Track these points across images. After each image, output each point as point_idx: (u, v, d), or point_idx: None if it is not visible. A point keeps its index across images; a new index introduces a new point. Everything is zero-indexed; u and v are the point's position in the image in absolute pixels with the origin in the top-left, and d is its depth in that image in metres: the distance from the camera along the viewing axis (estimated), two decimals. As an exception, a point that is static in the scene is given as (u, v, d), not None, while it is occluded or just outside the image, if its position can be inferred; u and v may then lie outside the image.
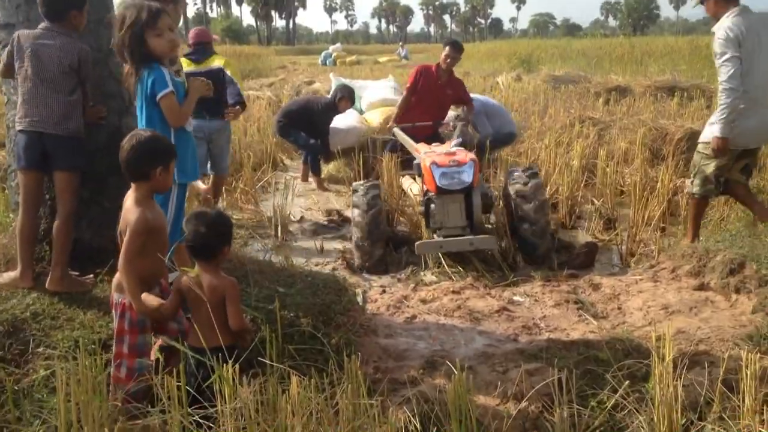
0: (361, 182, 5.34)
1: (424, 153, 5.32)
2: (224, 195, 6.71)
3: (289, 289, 3.57)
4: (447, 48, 7.25)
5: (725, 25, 4.44)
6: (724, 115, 4.38)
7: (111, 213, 3.60)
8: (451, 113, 7.90)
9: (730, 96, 4.37)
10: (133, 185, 2.77)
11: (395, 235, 5.46)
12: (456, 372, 2.28)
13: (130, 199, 2.77)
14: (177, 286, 2.68)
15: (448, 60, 7.18)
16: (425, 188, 4.98)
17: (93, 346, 2.89)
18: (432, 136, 7.17)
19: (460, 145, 5.59)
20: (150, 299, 2.67)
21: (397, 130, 7.13)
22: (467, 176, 4.72)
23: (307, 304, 3.43)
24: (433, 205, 4.83)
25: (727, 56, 4.39)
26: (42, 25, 3.46)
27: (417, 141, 6.47)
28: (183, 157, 3.09)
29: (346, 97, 7.68)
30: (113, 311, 2.76)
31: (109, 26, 3.65)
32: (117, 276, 2.73)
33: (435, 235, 4.87)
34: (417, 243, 4.70)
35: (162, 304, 2.65)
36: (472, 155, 4.96)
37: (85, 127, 3.55)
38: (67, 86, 3.44)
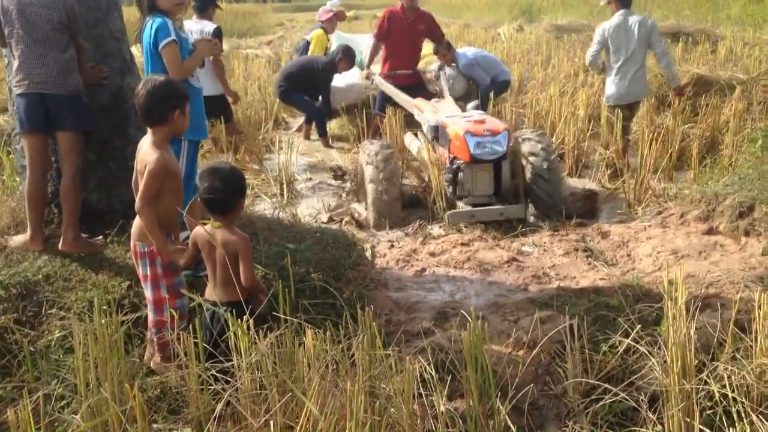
0: (373, 141, 5.28)
1: (444, 117, 5.22)
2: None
3: (299, 245, 3.57)
4: None
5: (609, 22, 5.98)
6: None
7: (117, 174, 3.61)
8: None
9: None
10: (150, 130, 2.76)
11: (403, 195, 5.43)
12: (471, 321, 2.29)
13: (147, 142, 2.76)
14: (193, 238, 2.70)
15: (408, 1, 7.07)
16: (451, 156, 4.89)
17: (107, 307, 2.90)
18: (417, 86, 7.09)
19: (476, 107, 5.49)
20: (170, 249, 2.70)
21: (379, 79, 7.03)
22: (501, 146, 4.67)
23: (317, 259, 3.44)
24: (461, 174, 4.79)
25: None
26: None
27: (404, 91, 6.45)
28: (190, 114, 3.06)
29: (345, 58, 7.57)
30: (136, 260, 2.78)
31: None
32: (136, 224, 2.74)
33: (460, 203, 4.83)
34: (448, 213, 4.68)
35: (180, 253, 2.68)
36: (504, 124, 4.89)
37: (87, 88, 3.50)
38: (60, 43, 3.36)
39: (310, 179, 6.46)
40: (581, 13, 21.67)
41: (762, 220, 3.73)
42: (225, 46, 15.14)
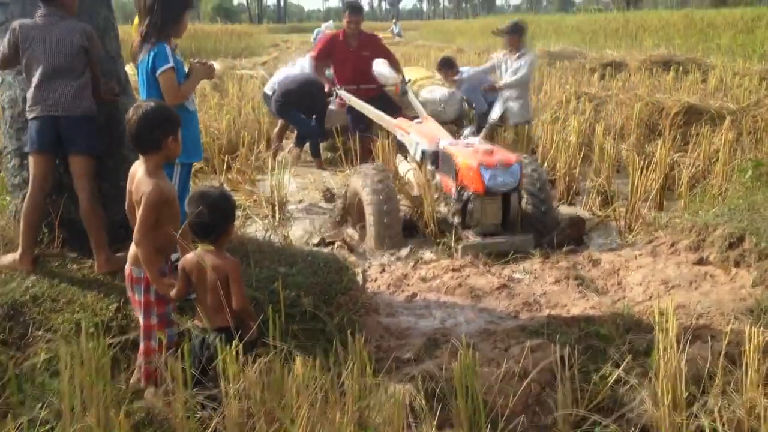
0: (370, 166, 5.26)
1: (450, 145, 5.17)
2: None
3: (290, 269, 3.56)
4: (345, 14, 7.28)
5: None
6: None
7: (110, 194, 3.58)
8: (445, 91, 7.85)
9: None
10: (142, 157, 2.73)
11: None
12: (461, 349, 2.28)
13: (140, 171, 2.72)
14: (182, 266, 2.67)
15: (351, 25, 7.19)
16: (459, 185, 4.87)
17: (94, 329, 2.87)
18: (377, 98, 7.12)
19: (473, 134, 5.49)
20: (165, 282, 2.68)
21: (345, 93, 7.05)
22: (514, 178, 4.66)
23: (308, 283, 3.42)
24: (470, 205, 4.79)
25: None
26: (39, 12, 3.39)
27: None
28: (185, 136, 3.06)
29: None
30: (130, 285, 2.76)
31: (105, 4, 3.61)
32: (132, 249, 2.72)
33: (467, 233, 4.81)
34: (461, 245, 4.66)
35: (173, 287, 2.66)
36: (516, 155, 4.89)
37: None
38: (78, 68, 3.38)
39: (302, 201, 6.45)
40: (573, 40, 21.99)
41: (752, 251, 3.75)
42: (219, 66, 15.33)
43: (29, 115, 3.42)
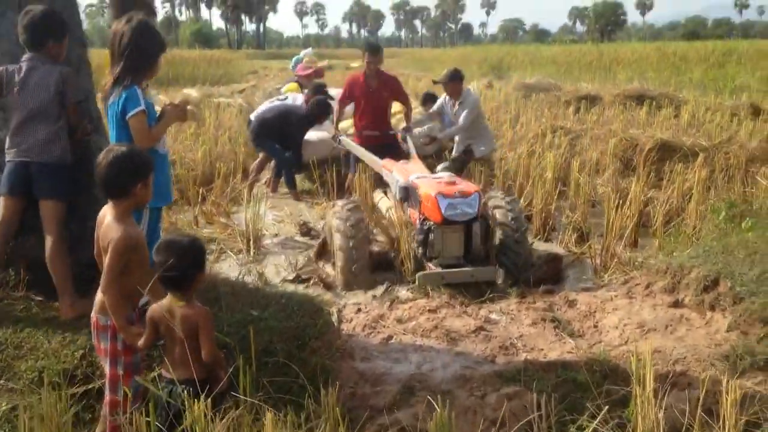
0: (342, 203, 5.23)
1: (417, 178, 5.21)
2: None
3: (263, 312, 3.48)
4: (365, 54, 7.23)
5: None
6: None
7: (78, 235, 3.50)
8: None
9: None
10: (111, 202, 2.66)
11: (371, 254, 5.38)
12: (437, 407, 2.23)
13: (108, 216, 2.65)
14: (150, 316, 2.59)
15: (370, 65, 7.17)
16: (422, 216, 4.89)
17: (57, 379, 2.77)
18: (383, 145, 7.12)
19: (446, 169, 5.52)
20: (132, 331, 2.59)
21: (345, 140, 7.08)
22: (473, 208, 4.67)
23: (281, 328, 3.35)
24: (432, 235, 4.78)
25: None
26: (25, 56, 3.42)
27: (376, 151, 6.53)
28: (155, 180, 2.99)
29: (321, 114, 7.63)
30: (95, 333, 2.67)
31: (79, 42, 3.58)
32: (98, 296, 2.64)
33: (430, 264, 4.80)
34: (419, 274, 4.65)
35: (140, 336, 2.57)
36: (476, 186, 4.91)
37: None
38: (53, 113, 3.40)
39: (277, 235, 6.39)
40: (549, 71, 22.32)
41: (726, 294, 3.76)
42: (196, 93, 15.29)
43: (6, 158, 3.44)
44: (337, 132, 7.32)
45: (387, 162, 6.20)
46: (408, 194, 5.28)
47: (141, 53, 3.12)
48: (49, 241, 3.32)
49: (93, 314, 2.70)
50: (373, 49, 7.21)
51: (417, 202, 4.99)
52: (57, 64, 3.43)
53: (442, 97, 7.62)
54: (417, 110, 8.65)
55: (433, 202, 4.67)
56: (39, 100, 3.37)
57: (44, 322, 3.25)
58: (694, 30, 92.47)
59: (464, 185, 4.87)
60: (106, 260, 2.56)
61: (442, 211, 4.63)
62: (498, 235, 4.94)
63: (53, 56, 3.43)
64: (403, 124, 8.12)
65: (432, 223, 4.76)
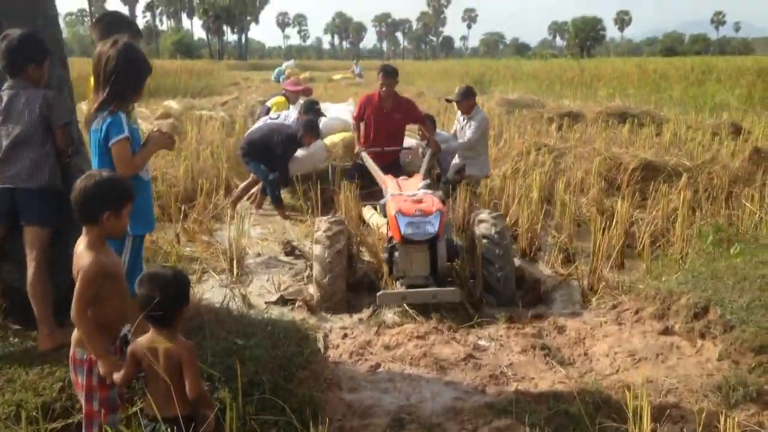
0: (325, 218, 5.17)
1: (390, 195, 5.17)
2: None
3: (248, 341, 3.40)
4: (380, 76, 7.22)
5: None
6: None
7: (57, 260, 3.39)
8: (413, 141, 7.85)
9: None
10: (84, 229, 2.60)
11: (356, 273, 5.31)
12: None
13: (81, 243, 2.59)
14: (132, 351, 2.50)
15: (384, 88, 7.14)
16: (389, 235, 4.86)
17: (35, 414, 2.66)
18: (393, 163, 7.10)
19: (428, 186, 5.45)
20: (111, 360, 2.50)
21: (365, 155, 7.02)
22: (432, 227, 4.61)
23: (267, 357, 3.27)
24: (396, 253, 4.71)
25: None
26: (6, 84, 3.35)
27: (380, 168, 6.45)
28: (137, 207, 2.90)
29: (308, 133, 7.57)
30: (72, 367, 2.58)
31: (60, 63, 3.49)
32: (76, 330, 2.54)
33: (398, 284, 4.74)
34: (379, 294, 4.57)
35: (120, 367, 2.48)
36: (439, 204, 4.84)
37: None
38: (37, 139, 3.32)
39: (260, 254, 6.28)
40: (530, 87, 22.47)
41: (716, 322, 3.73)
42: (177, 105, 15.13)
43: None
44: (360, 147, 7.25)
45: (387, 177, 6.14)
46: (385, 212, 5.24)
47: (127, 78, 3.04)
48: (31, 268, 3.22)
49: (71, 347, 2.60)
50: (388, 72, 7.18)
51: (386, 220, 4.95)
52: (39, 88, 3.34)
53: (458, 117, 7.57)
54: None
55: (393, 221, 4.64)
56: (23, 126, 3.29)
57: (22, 352, 3.15)
58: (671, 46, 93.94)
59: (427, 203, 4.80)
60: (76, 288, 2.48)
61: (401, 230, 4.59)
62: (480, 248, 4.87)
63: (34, 80, 3.35)
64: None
65: (396, 241, 4.70)
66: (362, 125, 7.33)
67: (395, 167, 7.14)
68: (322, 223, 5.09)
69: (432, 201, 4.87)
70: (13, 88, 3.33)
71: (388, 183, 5.85)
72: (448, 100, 8.15)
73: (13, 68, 3.31)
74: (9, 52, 3.26)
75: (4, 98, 3.32)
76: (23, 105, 3.29)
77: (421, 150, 7.33)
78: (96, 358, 2.49)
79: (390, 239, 4.83)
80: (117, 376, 2.48)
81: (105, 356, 2.48)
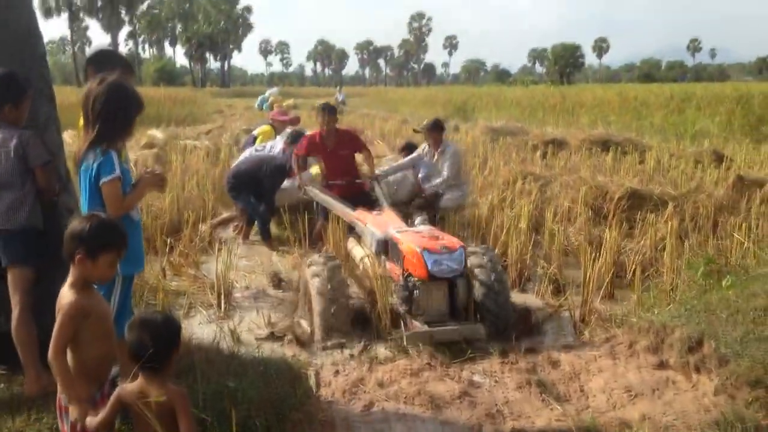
0: (321, 259, 5.11)
1: (398, 232, 5.10)
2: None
3: (240, 381, 3.33)
4: (321, 115, 7.31)
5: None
6: None
7: (42, 301, 3.32)
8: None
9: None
10: (70, 269, 2.56)
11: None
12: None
13: (66, 283, 2.56)
14: (119, 396, 2.43)
15: (326, 126, 7.23)
16: (405, 272, 4.78)
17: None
18: (360, 195, 7.13)
19: (424, 222, 5.44)
20: (82, 407, 2.42)
21: (313, 191, 7.04)
22: (458, 264, 4.60)
23: (259, 398, 3.21)
24: (416, 291, 4.67)
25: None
26: None
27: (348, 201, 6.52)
28: (130, 247, 2.84)
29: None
30: (59, 414, 2.52)
31: (48, 99, 3.44)
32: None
33: (415, 321, 4.67)
34: (407, 333, 4.52)
35: (96, 413, 2.40)
36: (458, 240, 4.83)
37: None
38: (15, 180, 3.27)
39: (248, 288, 6.21)
40: (513, 113, 22.68)
41: (711, 356, 3.72)
42: (161, 134, 15.06)
43: None
44: (302, 182, 7.28)
45: (360, 213, 6.12)
46: (387, 248, 5.19)
47: (115, 117, 2.99)
48: (15, 311, 3.15)
49: (58, 393, 2.53)
50: (330, 111, 7.32)
51: (399, 257, 4.88)
52: (15, 128, 3.28)
53: (423, 146, 7.62)
54: (390, 157, 8.67)
55: (419, 258, 4.58)
56: (3, 168, 3.24)
57: (8, 397, 3.05)
58: (648, 72, 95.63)
59: (447, 240, 4.80)
60: (54, 328, 2.43)
61: (428, 267, 4.54)
62: (478, 288, 4.85)
63: (11, 120, 3.30)
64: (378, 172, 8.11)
65: (416, 279, 4.65)
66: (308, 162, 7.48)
67: (363, 197, 7.16)
68: (317, 258, 5.06)
69: (449, 237, 4.85)
70: None
71: (365, 219, 5.84)
72: (415, 131, 8.22)
73: None
74: None
75: None
76: (2, 146, 3.24)
77: (368, 184, 7.34)
78: (69, 401, 2.42)
79: (407, 276, 4.75)
80: (91, 420, 2.40)
81: (76, 401, 2.42)
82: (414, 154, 7.72)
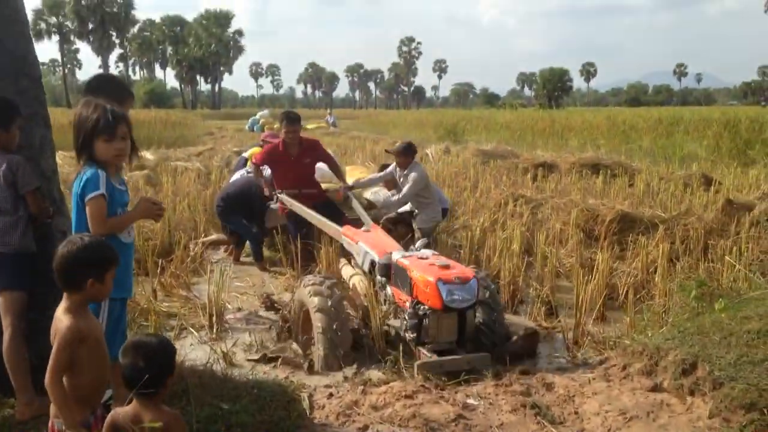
0: (319, 279, 5.08)
1: (403, 257, 5.02)
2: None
3: (234, 405, 3.30)
4: (283, 124, 7.34)
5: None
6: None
7: (36, 326, 3.29)
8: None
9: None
10: (65, 293, 2.55)
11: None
12: None
13: (61, 307, 2.54)
14: (113, 421, 2.40)
15: (289, 134, 7.25)
16: (414, 300, 4.72)
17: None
18: (323, 204, 7.20)
19: (427, 246, 5.43)
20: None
21: (285, 197, 7.03)
22: (472, 294, 4.54)
23: (254, 422, 3.18)
24: (426, 320, 4.63)
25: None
26: None
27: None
28: (118, 270, 2.83)
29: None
30: None
31: (43, 122, 3.44)
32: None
33: (422, 350, 4.63)
34: (417, 364, 4.47)
35: None
36: (471, 270, 4.78)
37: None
38: (9, 205, 3.25)
39: (240, 309, 6.18)
40: (503, 137, 22.84)
41: (705, 379, 3.72)
42: (152, 156, 15.05)
43: None
44: (266, 184, 7.33)
45: (348, 230, 6.08)
46: (390, 272, 5.12)
47: (79, 134, 2.99)
48: (6, 335, 3.12)
49: (51, 418, 2.51)
50: (292, 119, 7.35)
51: (407, 284, 4.78)
52: (4, 154, 3.27)
53: (392, 165, 7.62)
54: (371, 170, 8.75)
55: (432, 288, 4.47)
56: None
57: (-2, 421, 3.01)
58: (635, 96, 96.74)
59: (459, 269, 4.71)
60: (52, 353, 2.41)
61: (444, 298, 4.45)
62: (476, 313, 4.84)
63: (1, 145, 3.28)
64: (367, 192, 8.15)
65: (427, 308, 4.60)
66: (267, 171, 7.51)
67: (327, 207, 7.20)
68: (314, 278, 5.06)
69: (460, 266, 4.79)
70: None
71: (356, 237, 5.82)
72: (387, 151, 8.34)
73: None
74: None
75: None
76: None
77: (341, 193, 7.41)
78: (66, 426, 2.40)
79: (416, 304, 4.69)
80: None
81: (74, 428, 2.39)
82: (387, 170, 7.69)
